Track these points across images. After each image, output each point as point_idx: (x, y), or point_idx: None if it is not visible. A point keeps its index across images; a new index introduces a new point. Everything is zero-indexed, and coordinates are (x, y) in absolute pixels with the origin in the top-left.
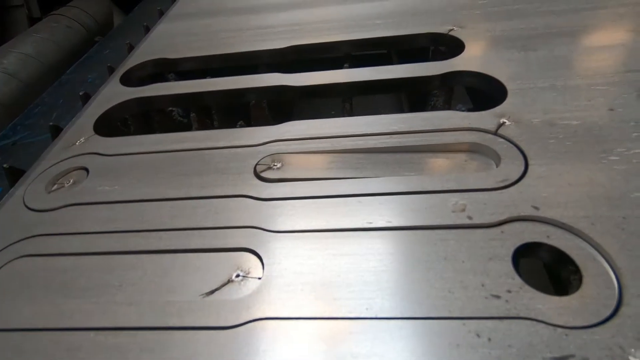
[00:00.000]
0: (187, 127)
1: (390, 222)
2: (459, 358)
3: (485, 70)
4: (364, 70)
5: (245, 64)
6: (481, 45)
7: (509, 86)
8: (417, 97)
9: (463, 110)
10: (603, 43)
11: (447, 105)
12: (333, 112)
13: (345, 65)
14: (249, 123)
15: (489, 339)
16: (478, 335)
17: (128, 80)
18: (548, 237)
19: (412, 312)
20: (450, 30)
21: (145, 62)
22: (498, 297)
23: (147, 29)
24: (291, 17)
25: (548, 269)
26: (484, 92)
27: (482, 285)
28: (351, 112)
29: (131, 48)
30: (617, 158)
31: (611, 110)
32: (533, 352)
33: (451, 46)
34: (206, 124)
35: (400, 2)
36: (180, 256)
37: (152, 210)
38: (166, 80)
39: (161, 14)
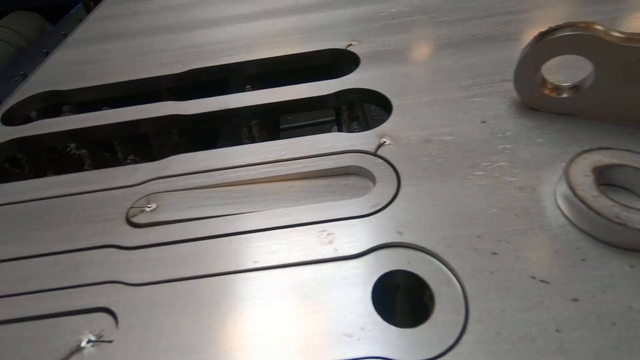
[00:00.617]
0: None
1: (256, 262)
2: None
3: (374, 86)
4: (257, 93)
5: (144, 91)
6: (375, 60)
7: (394, 102)
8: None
9: (356, 130)
10: (485, 52)
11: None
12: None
13: (247, 87)
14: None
15: None
16: None
17: (12, 117)
18: (409, 263)
19: None
20: (349, 45)
21: (30, 97)
22: (350, 336)
23: (46, 55)
24: (194, 38)
25: (410, 297)
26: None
27: (337, 324)
28: (261, 137)
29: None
30: (482, 173)
31: (483, 122)
32: None
33: (349, 62)
34: (105, 159)
35: (305, 17)
36: (30, 325)
37: (1, 273)
38: (61, 113)
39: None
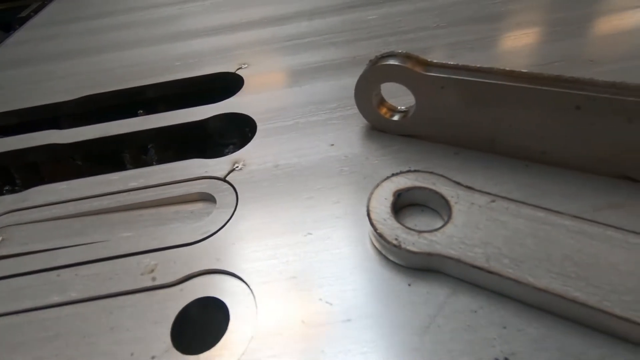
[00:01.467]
0: None
1: (81, 294)
2: None
3: (246, 110)
4: (140, 119)
5: (42, 118)
6: (257, 84)
7: (259, 126)
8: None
9: (231, 153)
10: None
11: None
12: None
13: (139, 112)
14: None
15: None
16: None
17: None
18: (219, 289)
19: None
20: (239, 68)
21: None
22: None
23: None
24: (101, 62)
25: (208, 322)
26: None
27: (131, 355)
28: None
29: None
30: (311, 196)
31: (332, 145)
32: None
33: (236, 85)
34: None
35: (205, 40)
36: None
37: None
38: None
39: None
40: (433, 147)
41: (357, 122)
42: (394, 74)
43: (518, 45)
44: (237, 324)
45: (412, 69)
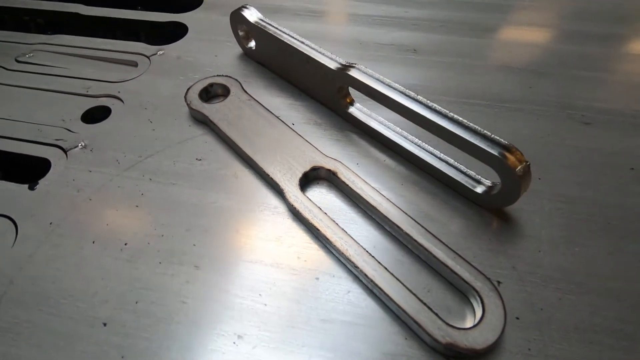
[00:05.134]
0: None
1: None
2: None
3: None
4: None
5: None
6: None
7: None
8: None
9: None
10: None
11: None
12: None
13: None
14: None
15: None
16: None
17: None
18: None
19: None
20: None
21: None
22: None
23: None
24: None
25: None
26: None
27: None
28: None
29: None
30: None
31: (216, 56)
32: None
33: None
34: None
35: None
36: None
37: None
38: None
39: None
40: (267, 72)
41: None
42: (242, 20)
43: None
44: None
45: (248, 20)
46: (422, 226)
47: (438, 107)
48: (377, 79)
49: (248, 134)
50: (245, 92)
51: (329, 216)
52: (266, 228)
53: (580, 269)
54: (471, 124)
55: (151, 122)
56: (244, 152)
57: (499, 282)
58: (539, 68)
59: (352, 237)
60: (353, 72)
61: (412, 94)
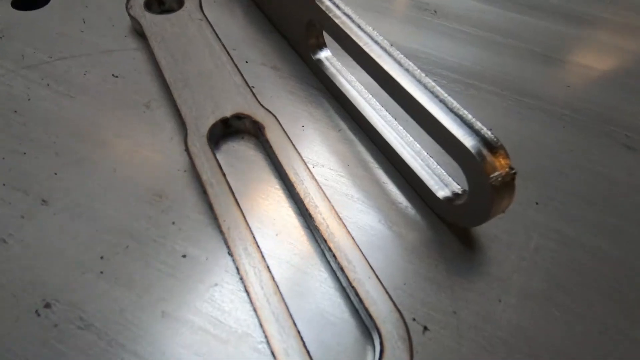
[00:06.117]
0: None
1: None
2: None
3: None
4: None
5: None
6: None
7: None
8: None
9: None
10: None
11: None
12: None
13: None
14: None
15: None
16: None
17: None
18: None
19: None
20: None
21: None
22: None
23: None
24: None
25: None
26: None
27: None
28: None
29: None
30: None
31: None
32: None
33: None
34: None
35: None
36: None
37: None
38: None
39: None
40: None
41: None
42: None
43: None
44: None
45: None
46: (345, 226)
47: (419, 74)
48: (352, 20)
49: (178, 57)
50: (202, 11)
51: (227, 183)
52: (153, 176)
53: (554, 343)
54: (451, 102)
55: (84, 22)
56: (164, 77)
57: (425, 328)
58: (586, 64)
59: (244, 218)
60: (326, 3)
61: (395, 51)
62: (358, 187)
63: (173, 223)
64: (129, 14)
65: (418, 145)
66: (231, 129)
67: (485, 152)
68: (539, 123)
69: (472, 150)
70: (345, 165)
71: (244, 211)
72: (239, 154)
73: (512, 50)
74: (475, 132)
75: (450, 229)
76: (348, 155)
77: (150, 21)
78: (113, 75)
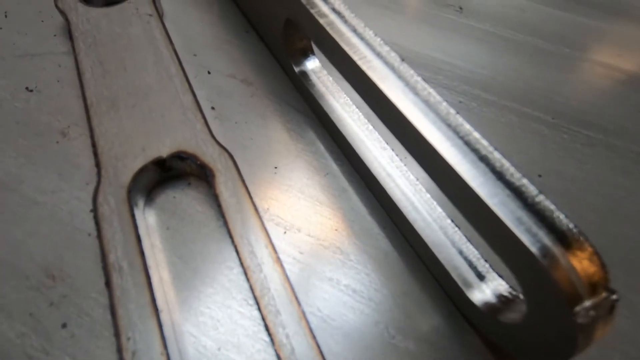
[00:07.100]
0: None
1: None
2: None
3: None
4: None
5: None
6: None
7: None
8: None
9: None
10: None
11: None
12: None
13: None
14: None
15: None
16: None
17: None
18: None
19: None
20: None
21: None
22: None
23: None
24: None
25: None
26: None
27: None
28: None
29: None
30: None
31: None
32: None
33: None
34: None
35: None
36: None
37: None
38: None
39: None
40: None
41: None
42: None
43: None
44: None
45: None
46: (322, 354)
47: (445, 110)
48: (345, 19)
49: (110, 67)
50: (154, 4)
51: (145, 269)
52: (49, 243)
53: None
54: (500, 160)
55: (6, 16)
56: (85, 94)
57: None
58: None
59: (161, 331)
60: None
61: (408, 70)
62: (349, 267)
63: (64, 326)
64: (56, 6)
65: (439, 208)
66: (171, 172)
67: (560, 259)
68: (602, 164)
69: (538, 257)
70: (332, 230)
71: (171, 312)
72: (180, 209)
73: (564, 61)
74: (539, 216)
75: (487, 347)
76: (337, 215)
77: (83, 16)
78: (27, 88)
